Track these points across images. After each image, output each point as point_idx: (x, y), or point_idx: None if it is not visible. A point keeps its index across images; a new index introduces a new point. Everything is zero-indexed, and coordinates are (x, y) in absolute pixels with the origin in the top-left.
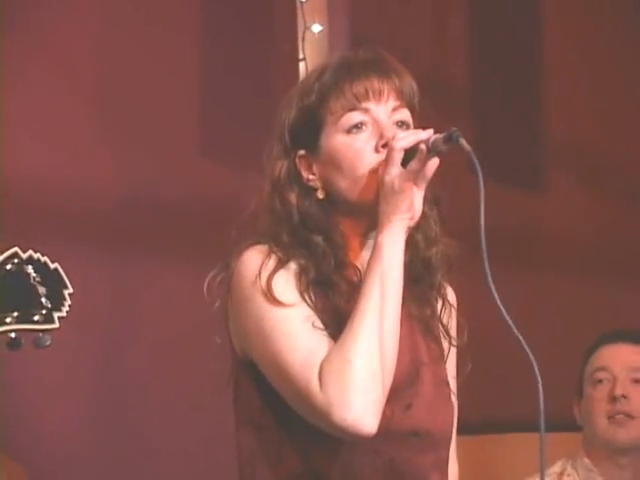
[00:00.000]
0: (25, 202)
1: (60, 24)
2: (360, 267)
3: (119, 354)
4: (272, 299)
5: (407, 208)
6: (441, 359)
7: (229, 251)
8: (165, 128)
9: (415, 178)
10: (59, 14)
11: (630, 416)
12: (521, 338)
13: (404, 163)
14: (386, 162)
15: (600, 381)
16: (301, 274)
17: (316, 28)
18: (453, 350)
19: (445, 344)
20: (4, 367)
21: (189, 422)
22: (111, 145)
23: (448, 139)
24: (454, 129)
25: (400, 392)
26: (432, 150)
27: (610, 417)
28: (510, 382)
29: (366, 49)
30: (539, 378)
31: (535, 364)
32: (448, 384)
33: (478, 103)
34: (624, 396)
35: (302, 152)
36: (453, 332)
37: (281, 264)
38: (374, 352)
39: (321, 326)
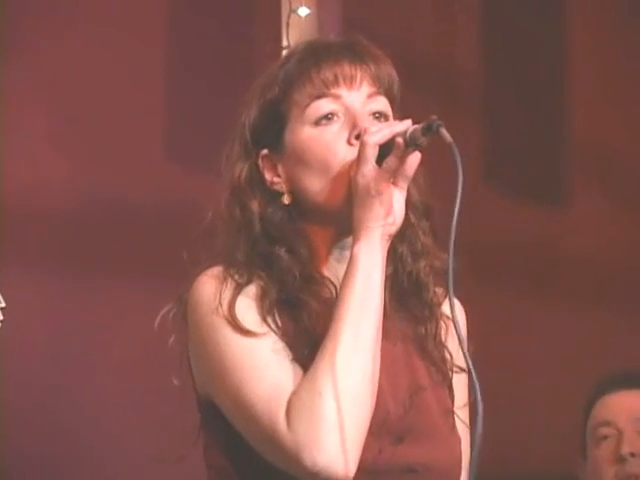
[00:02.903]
0: None
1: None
2: (335, 281)
3: (73, 381)
4: (235, 328)
5: (386, 212)
6: (443, 384)
7: (181, 278)
8: (127, 130)
9: (394, 177)
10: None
11: None
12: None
13: (379, 161)
14: (358, 160)
15: (605, 438)
16: (263, 296)
17: (303, 11)
18: (461, 375)
19: (447, 365)
20: None
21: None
22: (68, 147)
23: (427, 129)
24: (433, 117)
25: (390, 424)
26: (410, 143)
27: None
28: (518, 430)
29: (339, 35)
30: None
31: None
32: (452, 412)
33: (491, 104)
34: (633, 454)
35: (265, 152)
36: (456, 353)
37: (240, 288)
38: (349, 382)
39: (291, 356)
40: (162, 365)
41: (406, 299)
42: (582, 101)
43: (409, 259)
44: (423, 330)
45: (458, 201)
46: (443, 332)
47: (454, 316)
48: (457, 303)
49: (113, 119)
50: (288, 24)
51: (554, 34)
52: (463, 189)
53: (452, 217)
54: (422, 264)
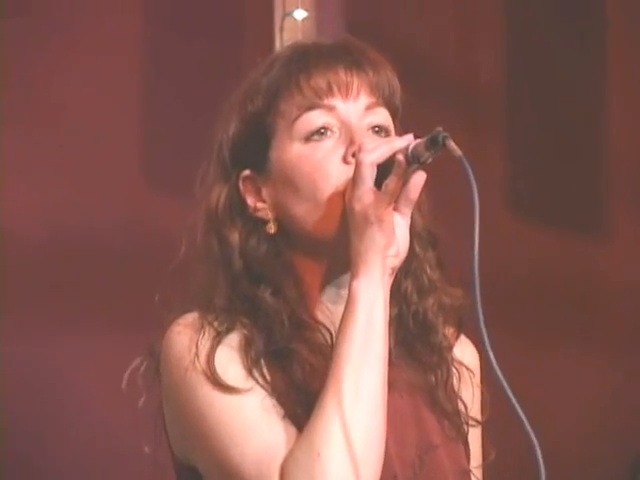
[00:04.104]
0: None
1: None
2: (330, 326)
3: (35, 449)
4: (216, 384)
5: (388, 242)
6: (457, 440)
7: (152, 328)
8: (101, 150)
9: (395, 201)
10: None
11: None
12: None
13: (378, 182)
14: (353, 183)
15: None
16: (247, 347)
17: (299, 14)
18: (476, 430)
19: (462, 419)
20: None
21: None
22: (40, 173)
23: (432, 143)
24: (438, 129)
25: None
26: (413, 161)
27: None
28: None
29: (331, 36)
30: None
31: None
32: (468, 473)
33: (517, 121)
34: None
35: (247, 172)
36: (471, 403)
37: (219, 337)
38: (352, 439)
39: (283, 414)
40: (136, 424)
41: (412, 343)
42: (622, 117)
43: (415, 297)
44: (433, 379)
45: (477, 226)
46: (455, 380)
47: (485, 344)
48: (468, 343)
49: (88, 141)
50: (282, 29)
51: (588, 43)
52: (482, 213)
53: (473, 245)
54: (430, 302)
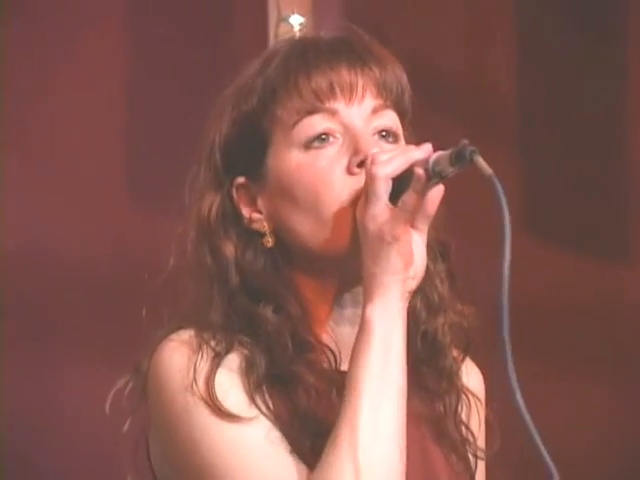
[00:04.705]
0: None
1: None
2: (334, 348)
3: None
4: (216, 411)
5: (407, 264)
6: (465, 476)
7: (139, 343)
8: (83, 165)
9: (412, 218)
10: None
11: None
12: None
13: (393, 197)
14: (366, 199)
15: None
16: (248, 369)
17: (295, 20)
18: (481, 463)
19: (469, 451)
20: None
21: None
22: (20, 193)
23: (458, 158)
24: (465, 141)
25: None
26: (434, 175)
27: None
28: None
29: (334, 30)
30: None
31: None
32: None
33: (532, 132)
34: None
35: (241, 180)
36: (477, 433)
37: (219, 359)
38: None
39: (289, 448)
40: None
41: (419, 367)
42: None
43: (424, 315)
44: (441, 407)
45: (507, 251)
46: (465, 408)
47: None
48: (473, 366)
49: (65, 150)
50: (277, 36)
51: (608, 47)
52: (494, 232)
53: (502, 282)
54: (440, 321)
